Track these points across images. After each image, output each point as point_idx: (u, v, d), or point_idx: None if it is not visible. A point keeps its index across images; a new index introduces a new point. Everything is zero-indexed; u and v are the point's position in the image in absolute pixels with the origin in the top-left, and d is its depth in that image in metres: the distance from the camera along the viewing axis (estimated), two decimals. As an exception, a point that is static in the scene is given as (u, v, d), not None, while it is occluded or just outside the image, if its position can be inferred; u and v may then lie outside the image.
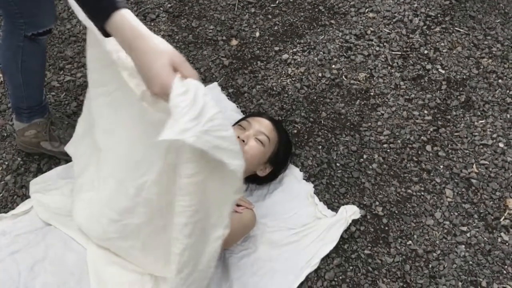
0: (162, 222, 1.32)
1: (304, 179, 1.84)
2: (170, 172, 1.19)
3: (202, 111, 0.98)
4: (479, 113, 2.04)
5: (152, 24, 2.39)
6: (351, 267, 1.63)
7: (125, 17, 0.99)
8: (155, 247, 1.40)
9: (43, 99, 1.82)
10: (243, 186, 1.18)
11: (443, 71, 2.19)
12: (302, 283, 1.57)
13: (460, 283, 1.59)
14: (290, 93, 2.10)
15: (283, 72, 2.19)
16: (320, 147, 1.93)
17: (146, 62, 0.99)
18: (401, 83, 2.15)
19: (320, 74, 2.17)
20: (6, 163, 1.86)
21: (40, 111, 1.82)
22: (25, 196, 1.75)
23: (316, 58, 2.23)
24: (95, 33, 1.15)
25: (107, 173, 1.48)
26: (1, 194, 1.77)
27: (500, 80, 2.16)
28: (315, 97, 2.09)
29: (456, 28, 2.36)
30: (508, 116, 2.03)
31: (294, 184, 1.82)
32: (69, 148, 1.68)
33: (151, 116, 1.22)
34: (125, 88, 1.24)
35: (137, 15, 1.26)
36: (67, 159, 1.80)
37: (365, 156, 1.90)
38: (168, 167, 1.20)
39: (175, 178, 1.15)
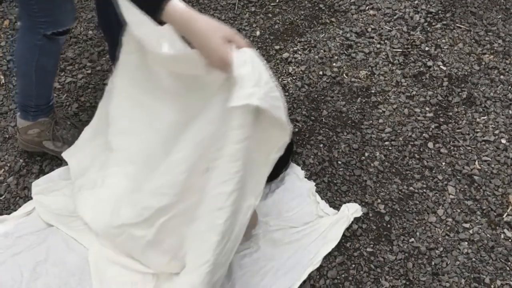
0: (182, 206, 1.34)
1: (305, 177, 1.83)
2: (206, 147, 1.27)
3: (260, 76, 1.11)
4: (481, 110, 2.03)
5: (153, 24, 2.39)
6: (353, 265, 1.62)
7: (176, 6, 1.11)
8: (166, 239, 1.40)
9: (51, 99, 1.83)
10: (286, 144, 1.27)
11: (444, 68, 2.18)
12: (304, 282, 1.56)
13: (463, 280, 1.59)
14: (291, 91, 2.10)
15: (284, 71, 2.18)
16: (321, 145, 1.93)
17: (202, 41, 1.11)
18: (402, 80, 2.14)
19: (321, 72, 2.17)
20: (8, 164, 1.86)
21: (47, 110, 1.82)
22: (27, 198, 1.75)
23: (316, 56, 2.23)
24: (141, 40, 1.26)
25: (117, 170, 1.49)
26: (4, 196, 1.77)
27: (502, 76, 2.15)
28: (316, 96, 2.09)
29: (457, 25, 2.35)
30: (510, 112, 2.02)
31: (296, 182, 1.82)
32: (66, 154, 1.69)
33: (185, 108, 1.33)
34: (160, 85, 1.36)
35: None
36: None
37: (366, 154, 1.90)
38: (204, 144, 1.27)
39: (209, 153, 1.25)
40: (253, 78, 1.09)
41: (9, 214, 1.68)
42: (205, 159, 1.27)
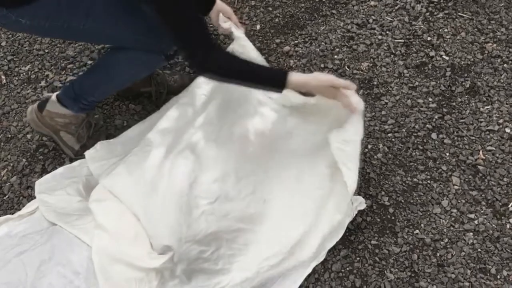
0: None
1: (308, 171, 1.83)
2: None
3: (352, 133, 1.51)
4: (485, 99, 2.02)
5: (153, 20, 2.38)
6: (358, 258, 1.62)
7: (293, 79, 1.49)
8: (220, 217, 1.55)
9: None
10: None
11: (447, 58, 2.16)
12: (309, 275, 1.56)
13: (469, 271, 1.58)
14: (292, 85, 2.09)
15: (285, 65, 2.17)
16: (324, 138, 1.92)
17: (318, 92, 1.58)
18: (405, 71, 2.12)
19: (322, 65, 2.16)
20: (11, 164, 1.87)
21: (93, 108, 1.84)
22: (31, 197, 1.76)
23: (318, 49, 2.22)
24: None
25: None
26: (7, 196, 1.78)
27: (505, 65, 2.13)
28: (318, 88, 2.07)
29: (460, 14, 2.33)
30: (514, 100, 2.01)
31: (299, 176, 1.81)
32: (114, 140, 1.78)
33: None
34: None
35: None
36: (72, 156, 1.82)
37: (369, 146, 1.89)
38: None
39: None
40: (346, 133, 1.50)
41: (13, 213, 1.68)
42: (267, 189, 1.63)
